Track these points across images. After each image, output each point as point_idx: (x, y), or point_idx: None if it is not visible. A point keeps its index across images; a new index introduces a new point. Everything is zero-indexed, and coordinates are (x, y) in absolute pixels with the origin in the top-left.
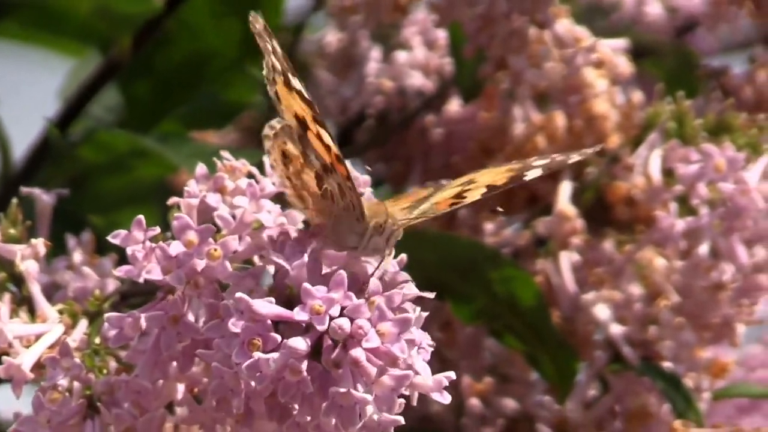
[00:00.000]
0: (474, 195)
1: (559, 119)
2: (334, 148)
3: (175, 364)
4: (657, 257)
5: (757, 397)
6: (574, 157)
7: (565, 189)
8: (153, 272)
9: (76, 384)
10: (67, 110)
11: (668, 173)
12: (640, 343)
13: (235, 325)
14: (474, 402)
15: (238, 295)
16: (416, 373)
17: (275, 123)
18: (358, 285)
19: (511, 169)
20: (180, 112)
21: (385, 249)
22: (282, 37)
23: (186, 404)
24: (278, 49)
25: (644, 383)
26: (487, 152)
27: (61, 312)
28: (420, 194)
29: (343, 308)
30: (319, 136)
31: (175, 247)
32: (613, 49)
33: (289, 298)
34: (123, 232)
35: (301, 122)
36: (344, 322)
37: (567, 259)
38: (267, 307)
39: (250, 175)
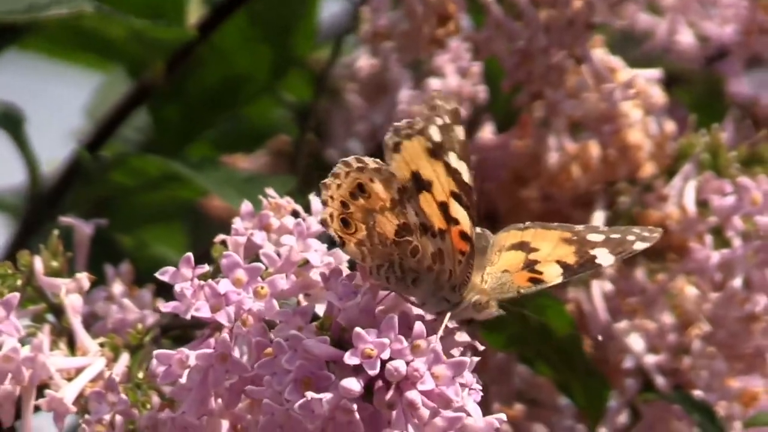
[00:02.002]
0: (553, 276)
1: (594, 149)
2: (466, 227)
3: (220, 400)
4: (688, 286)
5: None
6: (639, 245)
7: (598, 218)
8: (202, 310)
9: (118, 418)
10: (97, 132)
11: (702, 204)
12: (671, 372)
13: (288, 363)
14: (504, 428)
15: (293, 333)
16: (468, 414)
17: (368, 160)
18: (408, 325)
19: (563, 238)
20: (210, 135)
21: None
22: (315, 61)
23: None
24: (456, 134)
25: (675, 411)
26: (521, 180)
27: (102, 345)
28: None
29: (394, 351)
30: (443, 206)
31: (224, 285)
32: (648, 79)
33: (340, 337)
34: (171, 269)
35: (420, 182)
36: (400, 365)
37: (599, 287)
38: (320, 347)
39: (295, 213)
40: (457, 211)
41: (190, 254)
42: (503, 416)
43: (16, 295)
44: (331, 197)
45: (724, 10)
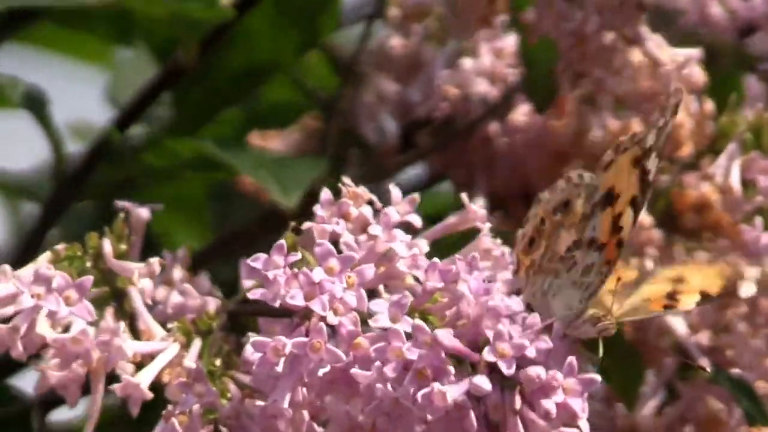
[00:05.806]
0: (688, 303)
1: (637, 126)
2: (626, 235)
3: (305, 390)
4: None
5: None
6: None
7: None
8: (296, 298)
9: (195, 407)
10: (125, 113)
11: (745, 184)
12: (710, 351)
13: (410, 351)
14: None
15: (418, 322)
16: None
17: (588, 177)
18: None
19: (722, 274)
20: (230, 116)
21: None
22: (333, 46)
23: None
24: (668, 130)
25: (714, 390)
26: (562, 158)
27: (168, 330)
28: (627, 274)
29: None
30: (617, 217)
31: (318, 274)
32: (687, 58)
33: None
34: (263, 255)
35: (610, 197)
36: (541, 372)
37: None
38: (449, 339)
39: (370, 202)
40: (627, 219)
41: (282, 242)
42: None
43: (90, 278)
44: (535, 214)
45: None
